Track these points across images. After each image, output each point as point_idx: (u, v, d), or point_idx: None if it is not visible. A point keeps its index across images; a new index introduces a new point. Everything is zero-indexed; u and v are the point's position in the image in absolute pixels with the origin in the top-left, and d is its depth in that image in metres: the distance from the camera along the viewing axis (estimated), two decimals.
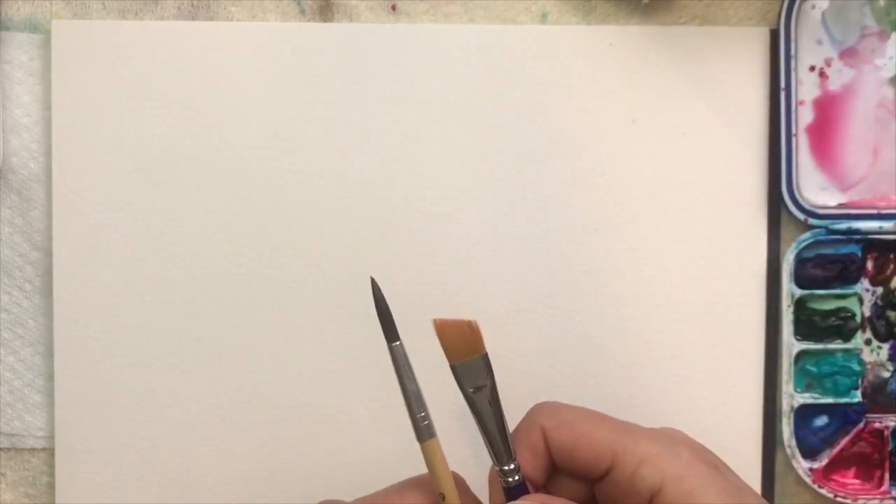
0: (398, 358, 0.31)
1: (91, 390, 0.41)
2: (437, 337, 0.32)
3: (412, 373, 0.31)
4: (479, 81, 0.41)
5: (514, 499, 0.31)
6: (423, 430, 0.31)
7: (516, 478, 0.32)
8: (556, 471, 0.33)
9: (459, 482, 0.32)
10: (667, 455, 0.31)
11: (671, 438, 0.32)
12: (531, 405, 0.41)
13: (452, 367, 0.32)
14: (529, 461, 0.33)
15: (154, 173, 0.41)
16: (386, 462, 0.41)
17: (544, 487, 0.33)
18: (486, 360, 0.32)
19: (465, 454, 0.40)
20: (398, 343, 0.31)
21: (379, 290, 0.31)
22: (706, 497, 0.30)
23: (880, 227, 0.41)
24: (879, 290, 0.42)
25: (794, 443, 0.41)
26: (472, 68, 0.41)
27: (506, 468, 0.32)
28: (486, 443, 0.32)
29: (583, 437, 0.32)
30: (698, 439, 0.34)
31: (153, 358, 0.41)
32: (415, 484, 0.33)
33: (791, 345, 0.41)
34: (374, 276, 0.31)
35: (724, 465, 0.33)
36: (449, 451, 0.32)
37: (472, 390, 0.32)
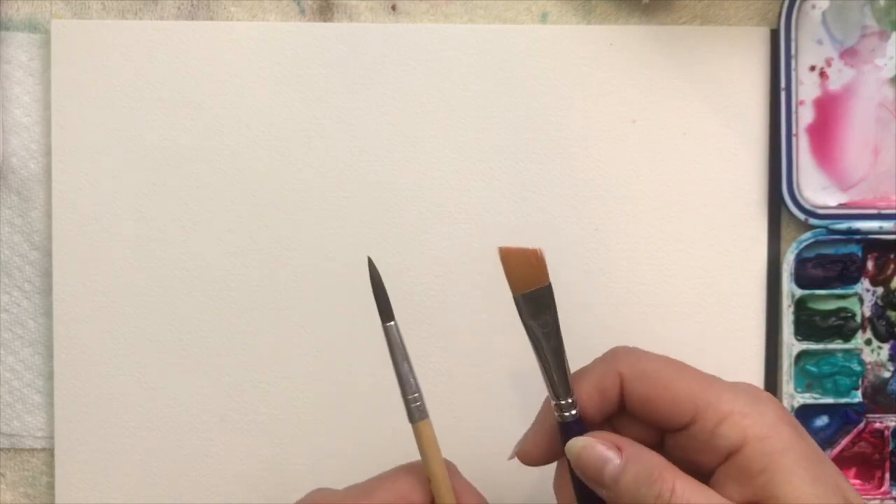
0: (392, 338, 0.31)
1: (91, 390, 0.41)
2: (501, 266, 0.31)
3: (406, 354, 0.31)
4: (479, 81, 0.41)
5: (570, 433, 0.31)
6: (415, 412, 0.31)
7: (573, 412, 0.31)
8: (620, 413, 0.32)
9: (450, 467, 0.32)
10: (751, 414, 0.30)
11: (755, 396, 0.31)
12: (530, 404, 0.41)
13: (515, 299, 0.31)
14: (595, 402, 0.32)
15: (154, 173, 0.41)
16: (386, 462, 0.41)
17: (607, 425, 0.33)
18: (549, 291, 0.32)
19: (455, 442, 0.40)
20: (393, 323, 0.31)
21: (376, 269, 0.31)
22: (785, 460, 0.29)
23: (881, 227, 0.41)
24: (880, 290, 0.42)
25: None
26: (472, 68, 0.41)
27: (563, 402, 0.31)
28: (544, 375, 0.31)
29: (665, 389, 0.31)
30: None
31: (153, 358, 0.41)
32: (407, 469, 0.32)
33: (791, 345, 0.41)
34: (370, 257, 0.31)
35: (804, 429, 0.31)
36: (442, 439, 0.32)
37: (533, 322, 0.31)
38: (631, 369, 0.31)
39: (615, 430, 0.32)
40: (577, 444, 0.31)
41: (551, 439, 0.32)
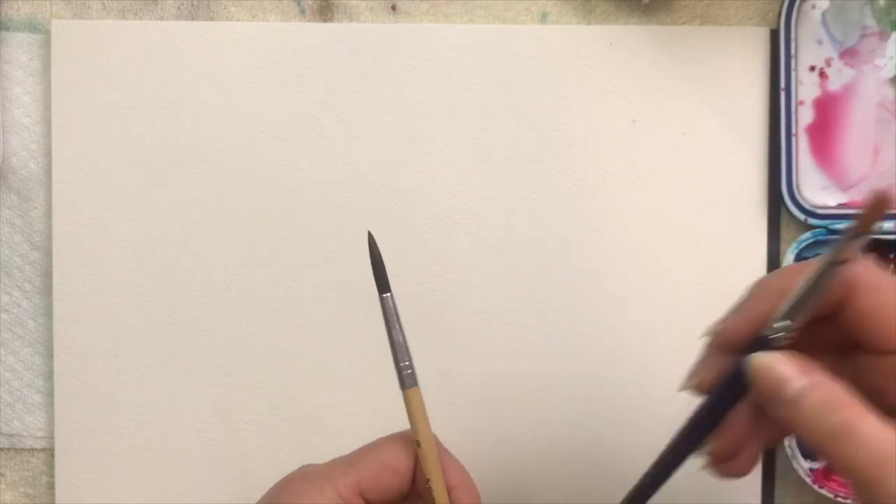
0: (387, 308, 0.32)
1: (91, 390, 0.41)
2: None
3: (400, 324, 0.32)
4: (479, 81, 0.41)
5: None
6: (406, 379, 0.32)
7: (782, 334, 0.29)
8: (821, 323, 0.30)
9: (435, 440, 0.33)
10: None
11: None
12: (529, 404, 0.41)
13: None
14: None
15: (154, 173, 0.41)
16: None
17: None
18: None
19: (457, 442, 0.41)
20: (388, 294, 0.32)
21: (375, 244, 0.32)
22: None
23: (881, 228, 0.41)
24: None
25: (794, 443, 0.41)
26: (472, 68, 0.41)
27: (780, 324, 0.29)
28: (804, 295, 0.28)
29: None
30: None
31: (153, 358, 0.41)
32: (392, 438, 0.33)
33: None
34: (371, 232, 0.32)
35: None
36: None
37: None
38: (867, 278, 0.29)
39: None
40: (759, 357, 0.28)
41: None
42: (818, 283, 0.28)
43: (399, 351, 0.32)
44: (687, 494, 0.39)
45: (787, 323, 0.29)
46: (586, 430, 0.41)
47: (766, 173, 0.41)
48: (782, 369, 0.28)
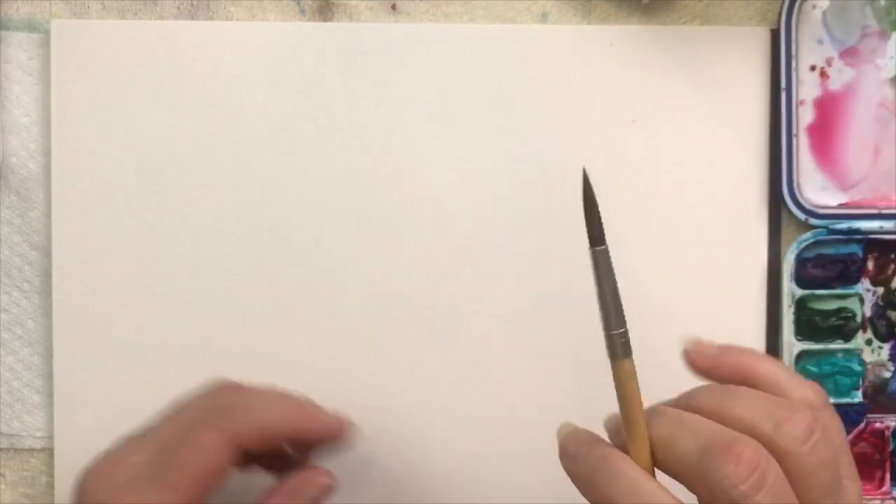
0: (601, 265, 0.28)
1: (90, 391, 0.41)
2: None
3: (614, 282, 0.28)
4: (479, 81, 0.41)
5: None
6: (620, 348, 0.28)
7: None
8: None
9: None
10: None
11: None
12: (529, 405, 0.41)
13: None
14: None
15: (153, 173, 0.41)
16: (385, 461, 0.41)
17: None
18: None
19: (459, 442, 0.40)
20: (604, 247, 0.28)
21: (589, 183, 0.28)
22: None
23: (881, 227, 0.41)
24: (880, 290, 0.42)
25: None
26: (472, 68, 0.41)
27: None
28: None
29: None
30: None
31: (153, 358, 0.41)
32: (209, 423, 0.32)
33: (791, 345, 0.41)
34: (585, 169, 0.29)
35: None
36: None
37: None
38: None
39: None
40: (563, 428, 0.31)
41: None
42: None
43: (614, 315, 0.28)
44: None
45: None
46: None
47: (767, 173, 0.41)
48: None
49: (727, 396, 0.29)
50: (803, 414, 0.27)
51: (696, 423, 0.28)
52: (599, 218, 0.28)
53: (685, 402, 0.30)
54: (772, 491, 0.26)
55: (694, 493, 0.27)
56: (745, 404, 0.28)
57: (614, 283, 0.28)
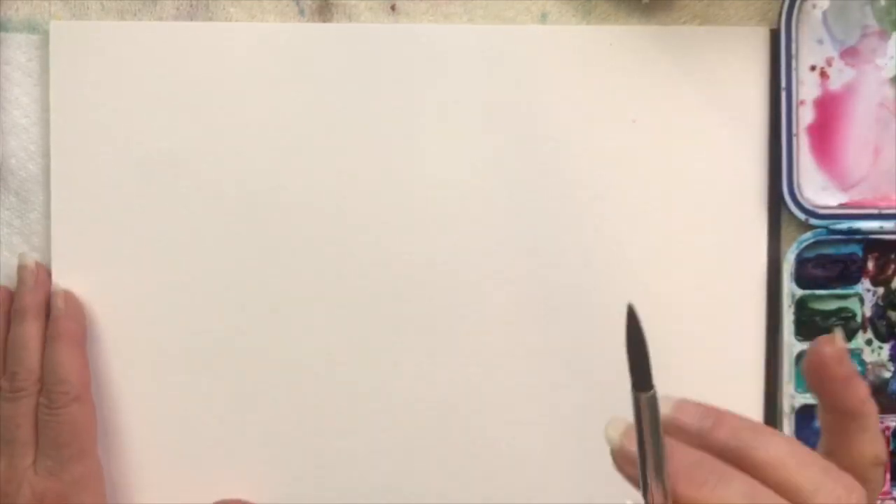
0: (649, 412, 0.24)
1: (90, 390, 0.41)
2: None
3: (659, 434, 0.24)
4: (479, 81, 0.41)
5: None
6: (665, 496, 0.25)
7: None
8: None
9: None
10: None
11: None
12: (528, 404, 0.41)
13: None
14: None
15: (153, 174, 0.41)
16: (385, 462, 0.41)
17: None
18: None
19: (462, 445, 0.40)
20: (652, 392, 0.24)
21: (638, 323, 0.24)
22: None
23: (881, 227, 0.41)
24: (880, 290, 0.42)
25: None
26: (472, 68, 0.41)
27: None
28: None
29: None
30: None
31: (152, 358, 0.41)
32: None
33: (792, 345, 0.41)
34: (631, 306, 0.25)
35: None
36: None
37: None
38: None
39: None
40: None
41: None
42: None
43: (655, 470, 0.24)
44: None
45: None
46: (584, 433, 0.41)
47: (767, 173, 0.41)
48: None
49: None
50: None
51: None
52: (648, 359, 0.24)
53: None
54: None
55: None
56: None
57: (659, 429, 0.25)
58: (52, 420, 0.38)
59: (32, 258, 0.40)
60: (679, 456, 0.26)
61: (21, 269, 0.40)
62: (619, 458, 0.27)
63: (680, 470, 0.25)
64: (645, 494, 0.25)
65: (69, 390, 0.38)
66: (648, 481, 0.25)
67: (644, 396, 0.24)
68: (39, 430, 0.38)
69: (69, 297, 0.40)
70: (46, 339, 0.39)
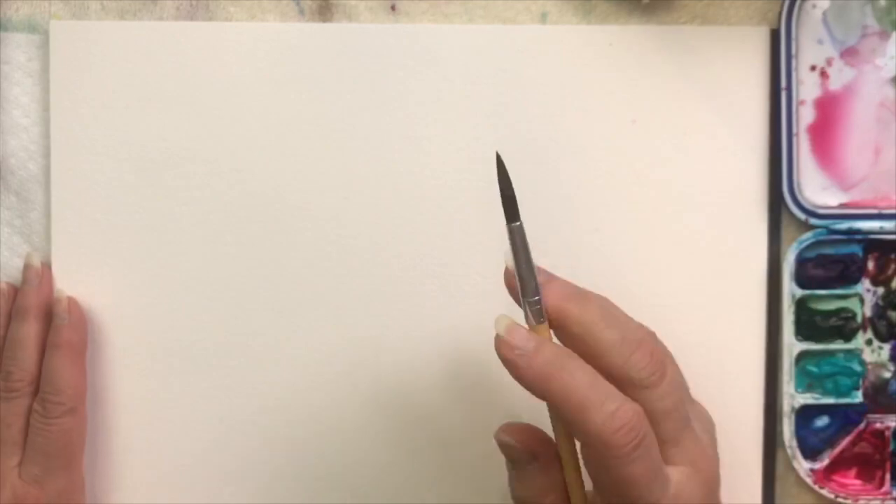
0: (515, 239, 0.31)
1: (90, 391, 0.41)
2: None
3: (529, 255, 0.31)
4: (478, 81, 0.41)
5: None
6: (535, 314, 0.32)
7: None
8: None
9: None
10: None
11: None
12: (529, 404, 0.41)
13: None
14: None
15: (153, 174, 0.41)
16: (385, 463, 0.41)
17: None
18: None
19: (461, 441, 0.40)
20: (518, 223, 0.31)
21: (503, 165, 0.31)
22: None
23: (881, 227, 0.41)
24: (880, 290, 0.42)
25: (794, 443, 0.41)
26: (472, 68, 0.41)
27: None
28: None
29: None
30: None
31: (152, 358, 0.41)
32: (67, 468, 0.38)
33: (792, 345, 0.41)
34: (499, 153, 0.32)
35: None
36: None
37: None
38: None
39: None
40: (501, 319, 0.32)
41: None
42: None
43: (528, 285, 0.31)
44: None
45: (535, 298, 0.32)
46: None
47: (767, 173, 0.41)
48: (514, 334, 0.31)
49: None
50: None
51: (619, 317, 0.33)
52: (514, 196, 0.31)
53: None
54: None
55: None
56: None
57: (529, 255, 0.31)
58: (44, 429, 0.38)
59: (38, 258, 0.40)
60: (553, 282, 0.33)
61: (26, 268, 0.40)
62: (507, 283, 0.33)
63: (551, 292, 0.32)
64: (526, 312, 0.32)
65: (65, 401, 0.38)
66: (524, 300, 0.32)
67: (513, 226, 0.31)
68: (29, 436, 0.38)
69: (73, 304, 0.40)
70: (47, 346, 0.39)
